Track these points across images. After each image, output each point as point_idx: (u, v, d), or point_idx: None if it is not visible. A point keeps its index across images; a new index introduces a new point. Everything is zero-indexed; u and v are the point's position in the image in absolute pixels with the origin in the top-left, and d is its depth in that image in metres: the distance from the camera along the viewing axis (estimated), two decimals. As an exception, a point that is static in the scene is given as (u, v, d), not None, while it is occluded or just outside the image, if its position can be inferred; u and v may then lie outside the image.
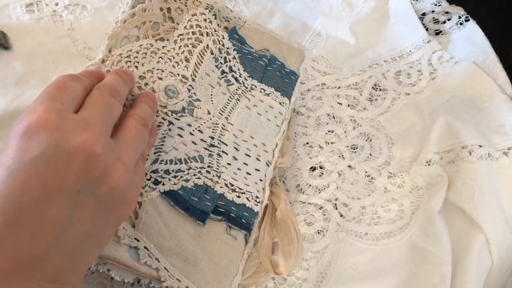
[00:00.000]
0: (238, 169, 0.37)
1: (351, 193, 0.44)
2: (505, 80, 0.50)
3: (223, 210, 0.35)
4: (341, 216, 0.43)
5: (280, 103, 0.42)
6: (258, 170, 0.38)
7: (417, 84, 0.52)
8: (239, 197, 0.36)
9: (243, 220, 0.36)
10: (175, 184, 0.34)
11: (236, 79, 0.40)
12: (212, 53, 0.39)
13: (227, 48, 0.40)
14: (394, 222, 0.42)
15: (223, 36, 0.41)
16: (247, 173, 0.38)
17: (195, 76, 0.38)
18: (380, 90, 0.51)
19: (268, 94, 0.41)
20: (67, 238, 0.23)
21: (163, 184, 0.33)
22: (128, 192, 0.27)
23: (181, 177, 0.34)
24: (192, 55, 0.38)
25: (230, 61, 0.40)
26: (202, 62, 0.38)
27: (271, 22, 0.55)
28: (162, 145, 0.34)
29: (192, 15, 0.39)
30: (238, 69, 0.41)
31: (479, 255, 0.40)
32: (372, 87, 0.51)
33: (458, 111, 0.48)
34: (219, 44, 0.40)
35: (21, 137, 0.23)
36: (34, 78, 0.47)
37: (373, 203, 0.43)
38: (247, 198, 0.36)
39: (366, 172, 0.45)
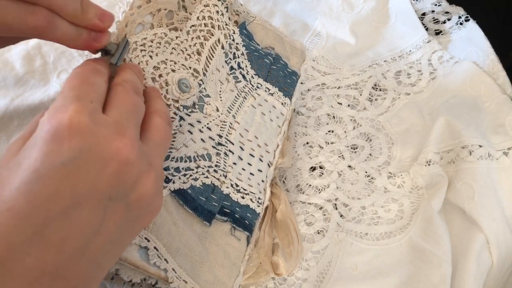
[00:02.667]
0: (243, 169, 0.37)
1: (351, 193, 0.44)
2: (505, 80, 0.50)
3: (228, 211, 0.35)
4: (341, 216, 0.43)
5: (282, 104, 0.42)
6: (261, 171, 0.38)
7: (417, 84, 0.52)
8: (243, 198, 0.36)
9: (246, 221, 0.36)
10: (184, 182, 0.33)
11: (243, 76, 0.40)
12: (223, 47, 0.38)
13: (237, 44, 0.39)
14: (394, 222, 0.42)
15: (233, 30, 0.39)
16: (251, 173, 0.37)
17: (206, 71, 0.36)
18: (380, 90, 0.51)
19: (272, 94, 0.41)
20: (94, 246, 0.22)
21: (173, 183, 0.32)
22: (156, 199, 0.26)
23: (190, 175, 0.33)
24: (203, 49, 0.37)
25: (238, 57, 0.39)
26: (213, 57, 0.37)
27: (271, 22, 0.55)
28: (173, 141, 0.33)
29: (204, 6, 0.38)
30: (246, 66, 0.40)
31: (479, 255, 0.40)
32: (372, 87, 0.51)
33: (458, 111, 0.48)
34: (230, 38, 0.39)
35: (51, 139, 0.21)
36: (34, 78, 0.47)
37: (373, 203, 0.43)
38: (251, 199, 0.36)
39: (366, 172, 0.45)
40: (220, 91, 0.37)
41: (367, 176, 0.45)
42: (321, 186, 0.44)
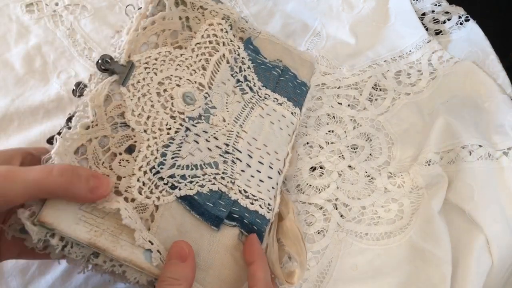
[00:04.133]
0: (252, 176, 0.38)
1: (351, 193, 0.44)
2: (505, 80, 0.50)
3: (237, 216, 0.36)
4: (341, 216, 0.43)
5: (292, 113, 0.42)
6: (271, 178, 0.39)
7: (417, 84, 0.52)
8: (252, 204, 0.36)
9: (255, 227, 0.36)
10: (191, 189, 0.34)
11: (250, 88, 0.41)
12: (228, 62, 0.40)
13: (242, 58, 0.41)
14: (394, 222, 0.42)
15: (238, 46, 0.41)
16: (260, 180, 0.38)
17: (212, 84, 0.39)
18: (380, 90, 0.51)
19: (281, 104, 0.42)
20: None
21: (180, 189, 0.34)
22: None
23: (197, 182, 0.35)
24: (208, 64, 0.39)
25: (245, 70, 0.41)
26: (218, 71, 0.39)
27: (271, 22, 0.55)
28: (180, 150, 0.35)
29: (209, 25, 0.40)
30: (253, 79, 0.41)
31: (479, 255, 0.40)
32: (372, 87, 0.51)
33: (458, 111, 0.48)
34: (235, 53, 0.41)
35: None
36: (34, 78, 0.47)
37: (373, 203, 0.43)
38: (260, 205, 0.37)
39: (366, 172, 0.45)
40: (226, 103, 0.39)
41: (367, 176, 0.45)
42: (321, 186, 0.44)
